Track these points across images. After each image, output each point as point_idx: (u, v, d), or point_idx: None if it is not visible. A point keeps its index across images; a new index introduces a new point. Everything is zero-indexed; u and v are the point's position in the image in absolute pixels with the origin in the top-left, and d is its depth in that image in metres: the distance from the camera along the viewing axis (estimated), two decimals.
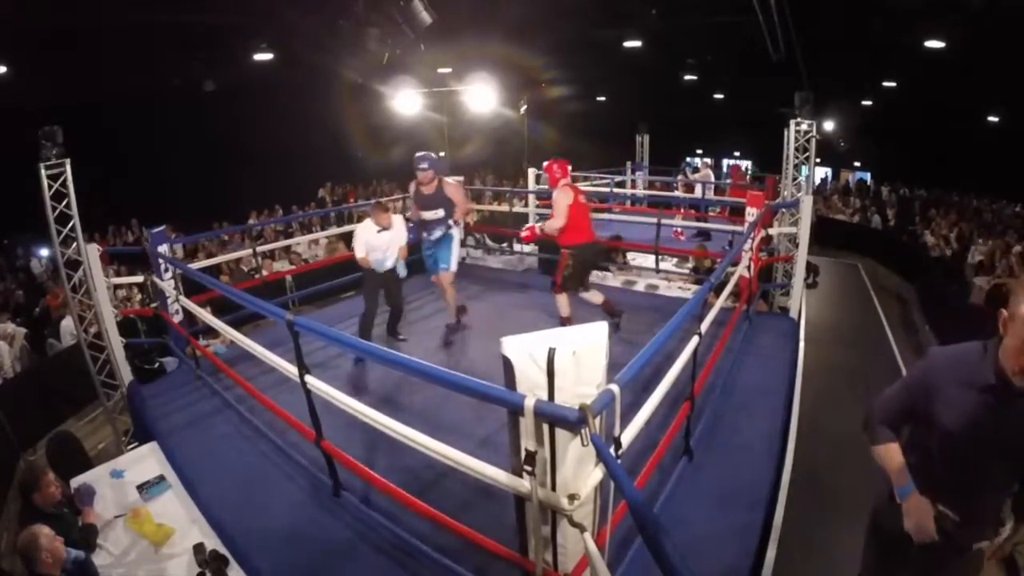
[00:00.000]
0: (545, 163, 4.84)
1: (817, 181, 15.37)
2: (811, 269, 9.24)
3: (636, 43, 11.32)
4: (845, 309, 9.17)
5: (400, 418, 2.32)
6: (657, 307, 5.54)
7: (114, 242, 10.35)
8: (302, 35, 9.69)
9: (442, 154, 13.74)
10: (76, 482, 3.14)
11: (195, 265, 5.49)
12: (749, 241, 4.81)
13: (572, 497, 1.69)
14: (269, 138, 12.06)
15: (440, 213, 4.68)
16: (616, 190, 11.39)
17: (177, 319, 4.65)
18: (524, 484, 1.76)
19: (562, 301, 4.67)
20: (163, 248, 4.66)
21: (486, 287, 6.37)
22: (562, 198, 4.41)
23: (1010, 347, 1.60)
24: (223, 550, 2.62)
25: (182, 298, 4.30)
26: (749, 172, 14.90)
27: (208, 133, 11.38)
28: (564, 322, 4.63)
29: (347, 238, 6.75)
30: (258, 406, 3.59)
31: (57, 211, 4.46)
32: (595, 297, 4.80)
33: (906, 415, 1.92)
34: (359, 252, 4.50)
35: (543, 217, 9.85)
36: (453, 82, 10.14)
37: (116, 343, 4.53)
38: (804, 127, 6.34)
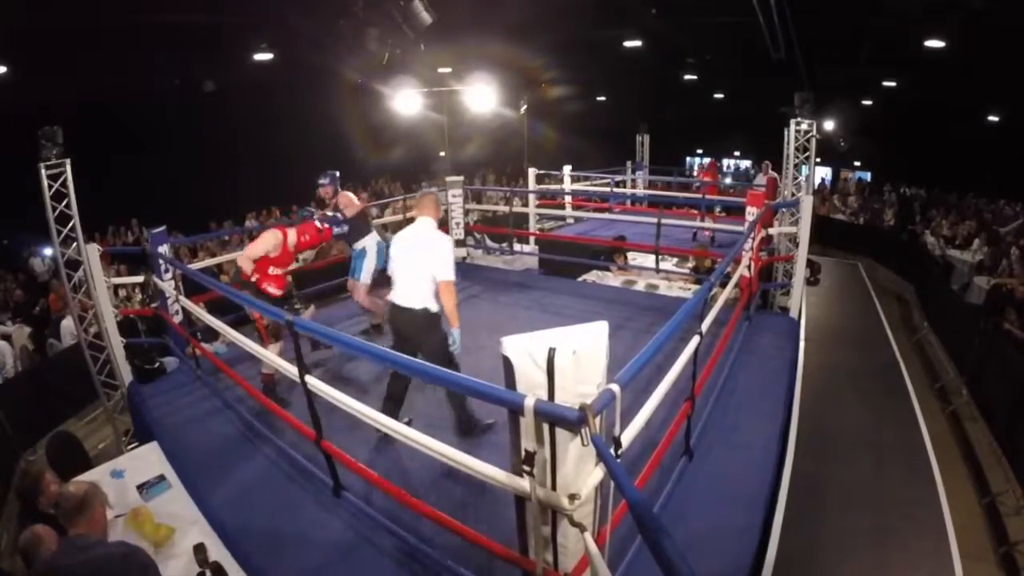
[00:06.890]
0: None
1: (818, 181, 15.33)
2: (812, 267, 9.24)
3: (636, 43, 11.31)
4: (845, 309, 9.15)
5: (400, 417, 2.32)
6: (657, 307, 5.54)
7: (114, 242, 10.33)
8: (302, 35, 9.69)
9: (442, 154, 13.73)
10: None
11: (195, 265, 5.50)
12: (749, 240, 4.81)
13: (572, 497, 1.69)
14: (269, 138, 12.03)
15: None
16: (617, 190, 11.43)
17: (177, 319, 4.65)
18: (524, 484, 1.75)
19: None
20: (163, 248, 4.66)
21: (486, 287, 6.36)
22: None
23: None
24: (223, 550, 2.61)
25: (182, 298, 4.30)
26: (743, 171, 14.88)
27: (208, 133, 11.36)
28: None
29: None
30: (258, 406, 3.60)
31: (57, 211, 4.46)
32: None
33: None
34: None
35: (544, 217, 9.94)
36: (453, 82, 10.11)
37: (116, 343, 4.53)
38: (804, 127, 6.34)
